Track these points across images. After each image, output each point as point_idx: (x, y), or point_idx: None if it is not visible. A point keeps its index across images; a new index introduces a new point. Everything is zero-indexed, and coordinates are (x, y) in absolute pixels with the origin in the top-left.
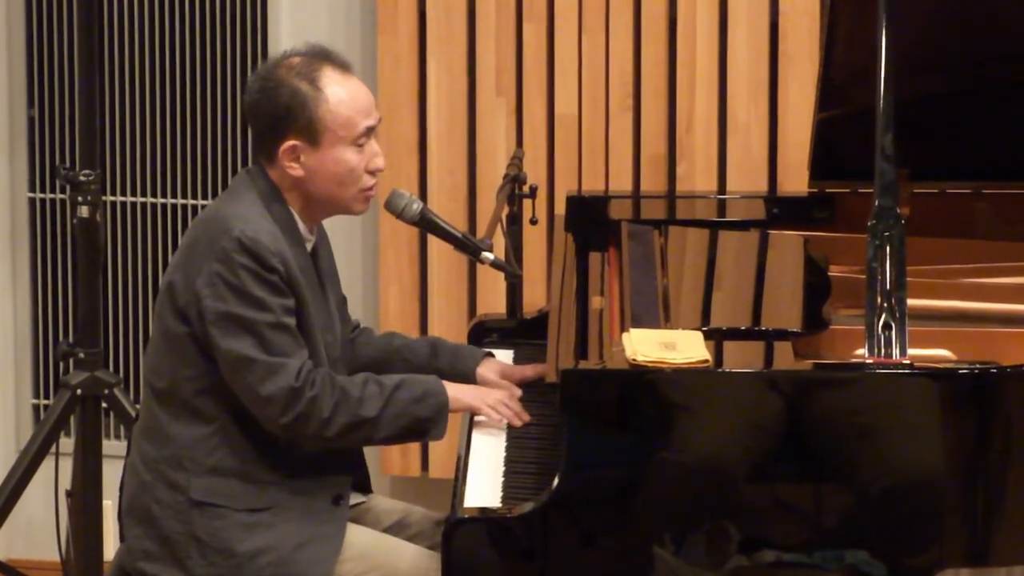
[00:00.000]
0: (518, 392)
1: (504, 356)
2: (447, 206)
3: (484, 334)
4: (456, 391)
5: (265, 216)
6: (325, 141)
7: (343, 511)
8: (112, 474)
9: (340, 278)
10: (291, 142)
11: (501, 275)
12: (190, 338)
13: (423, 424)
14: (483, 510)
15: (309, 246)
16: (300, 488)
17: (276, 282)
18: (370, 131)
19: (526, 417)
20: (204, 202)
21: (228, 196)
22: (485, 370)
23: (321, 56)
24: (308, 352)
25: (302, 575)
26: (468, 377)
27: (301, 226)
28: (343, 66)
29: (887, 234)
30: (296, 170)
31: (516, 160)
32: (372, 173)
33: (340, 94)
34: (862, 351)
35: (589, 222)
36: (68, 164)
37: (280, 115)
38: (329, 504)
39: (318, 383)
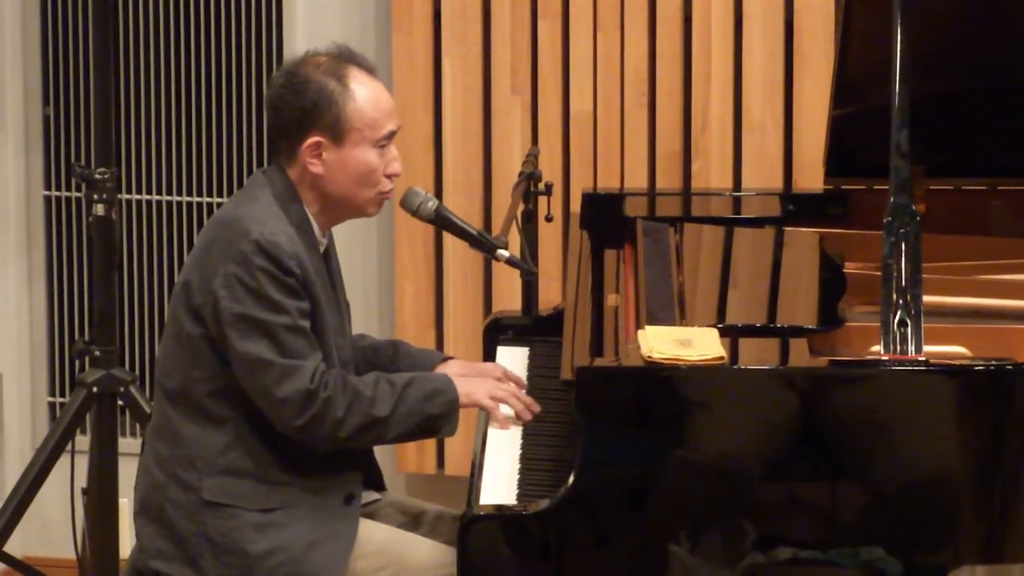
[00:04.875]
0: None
1: (519, 354)
2: (462, 204)
3: (499, 331)
4: (466, 386)
5: (281, 218)
6: (349, 140)
7: (355, 510)
8: (128, 472)
9: (356, 276)
10: (315, 138)
11: (516, 272)
12: (204, 339)
13: (434, 421)
14: (499, 507)
15: (321, 248)
16: (312, 488)
17: (293, 285)
18: (391, 135)
19: (536, 408)
20: (220, 200)
21: (244, 196)
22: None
23: (348, 57)
24: (322, 354)
25: (314, 575)
26: None
27: (315, 228)
28: (370, 69)
29: (902, 231)
30: (317, 167)
31: (531, 157)
32: (389, 177)
33: (367, 95)
34: (878, 348)
35: (604, 219)
36: (84, 162)
37: (307, 110)
38: (341, 503)
39: (331, 384)
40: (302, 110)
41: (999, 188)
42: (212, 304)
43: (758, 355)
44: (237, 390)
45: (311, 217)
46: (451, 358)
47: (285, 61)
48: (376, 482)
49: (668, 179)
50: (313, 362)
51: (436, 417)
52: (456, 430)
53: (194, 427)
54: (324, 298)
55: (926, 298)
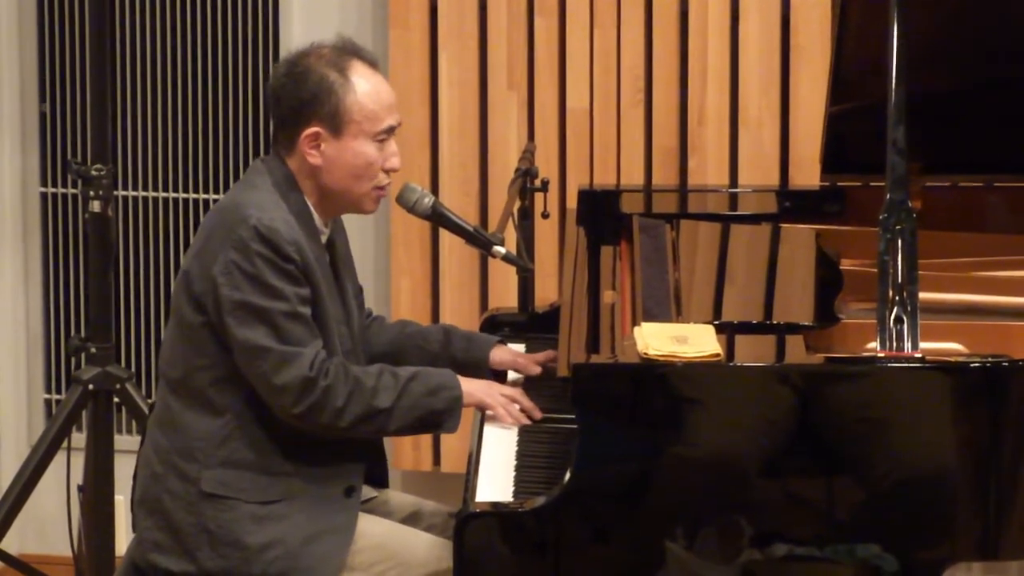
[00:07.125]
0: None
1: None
2: (459, 200)
3: (496, 328)
4: (468, 385)
5: (281, 205)
6: (348, 132)
7: (354, 503)
8: (124, 469)
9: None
10: (314, 128)
11: (513, 269)
12: (205, 327)
13: (437, 417)
14: (495, 504)
15: (324, 238)
16: (311, 480)
17: (292, 271)
18: (391, 130)
19: (537, 415)
20: (216, 196)
21: (244, 185)
22: (498, 356)
23: (351, 49)
24: (322, 342)
25: (311, 568)
26: (482, 363)
27: (316, 218)
28: (372, 62)
29: (899, 228)
30: (315, 158)
31: (528, 154)
32: (387, 172)
33: (367, 87)
34: (874, 345)
35: (601, 216)
36: (80, 159)
37: (306, 100)
38: (341, 496)
39: (332, 373)
40: (301, 100)
41: (996, 184)
42: (212, 291)
43: (754, 352)
44: (239, 379)
45: (311, 207)
46: (503, 341)
47: (289, 52)
48: (380, 476)
49: (664, 175)
50: (312, 349)
51: (439, 412)
52: (458, 427)
53: (195, 417)
54: (325, 287)
55: (922, 295)
